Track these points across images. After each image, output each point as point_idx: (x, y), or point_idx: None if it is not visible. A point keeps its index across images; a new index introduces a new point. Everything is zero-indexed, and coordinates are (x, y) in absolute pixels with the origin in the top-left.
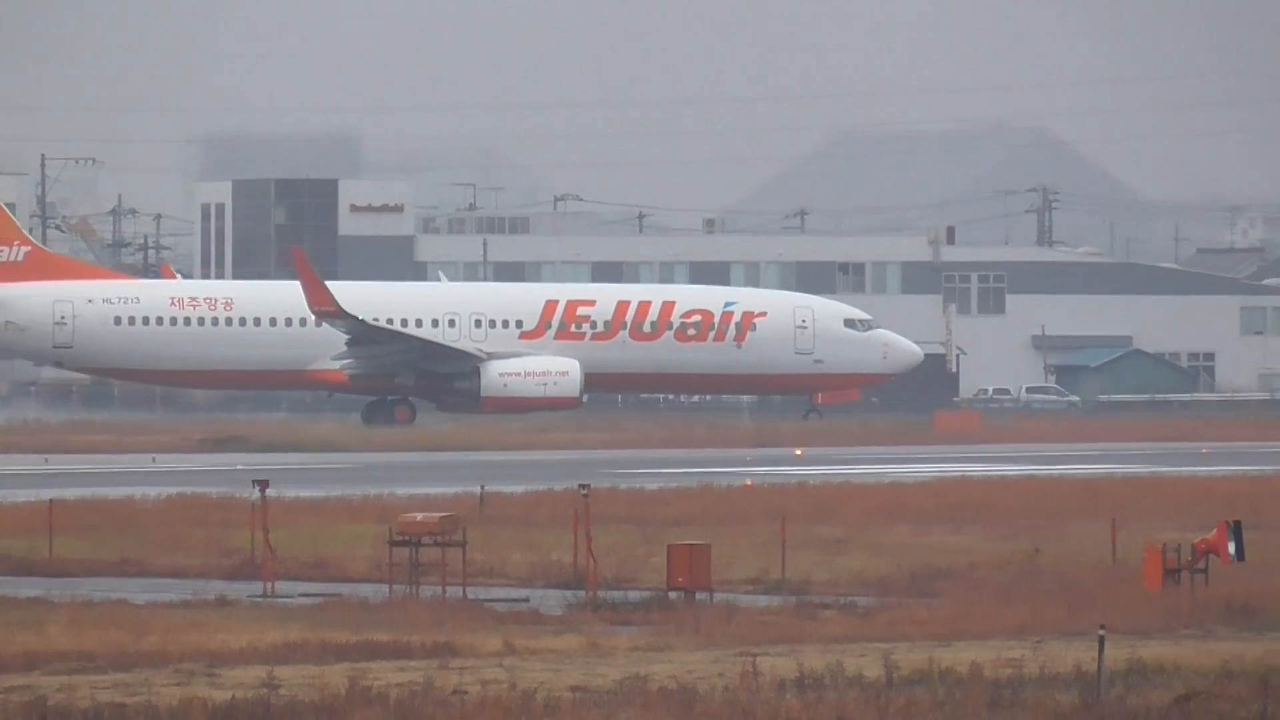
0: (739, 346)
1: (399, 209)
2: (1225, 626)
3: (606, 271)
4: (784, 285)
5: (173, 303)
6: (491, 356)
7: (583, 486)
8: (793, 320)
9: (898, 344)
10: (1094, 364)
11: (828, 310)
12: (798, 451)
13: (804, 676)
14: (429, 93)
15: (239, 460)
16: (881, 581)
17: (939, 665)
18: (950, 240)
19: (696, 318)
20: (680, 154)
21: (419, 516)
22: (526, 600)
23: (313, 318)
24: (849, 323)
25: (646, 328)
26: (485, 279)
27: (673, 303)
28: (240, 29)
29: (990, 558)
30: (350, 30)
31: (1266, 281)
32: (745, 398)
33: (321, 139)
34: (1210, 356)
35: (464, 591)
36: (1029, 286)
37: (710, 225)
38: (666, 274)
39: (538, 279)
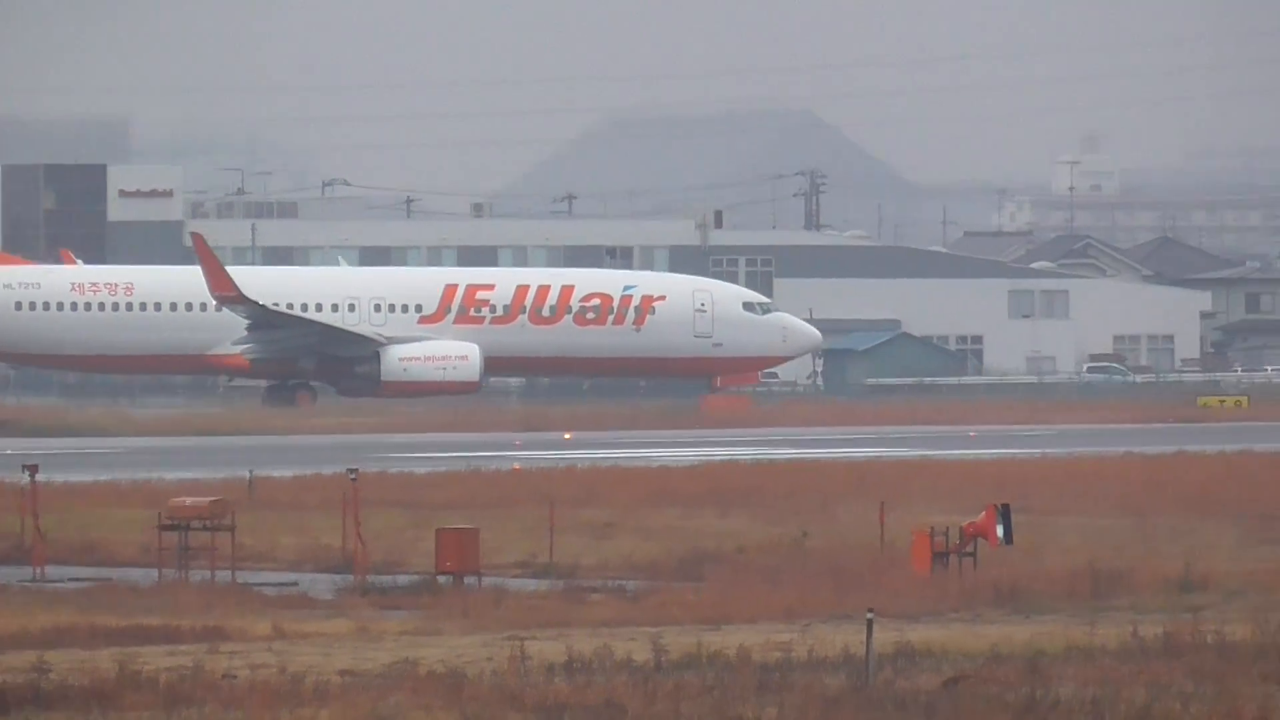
0: (638, 330)
1: (168, 194)
2: (993, 609)
3: (375, 256)
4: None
5: (74, 288)
6: (391, 341)
7: (351, 471)
8: (692, 303)
9: (796, 326)
10: (861, 348)
11: (727, 293)
12: (566, 435)
13: (573, 660)
14: (198, 77)
15: (8, 445)
16: (650, 565)
17: (708, 649)
18: (718, 224)
19: (596, 301)
20: (448, 138)
21: (188, 501)
22: (296, 584)
23: (213, 302)
24: (748, 306)
25: (546, 311)
26: (254, 264)
27: (572, 286)
28: (5, 12)
29: (758, 541)
30: (118, 14)
31: (1034, 265)
32: (512, 380)
33: (90, 123)
34: (978, 340)
35: (233, 576)
36: (797, 270)
37: (478, 209)
38: (434, 258)
39: (305, 263)
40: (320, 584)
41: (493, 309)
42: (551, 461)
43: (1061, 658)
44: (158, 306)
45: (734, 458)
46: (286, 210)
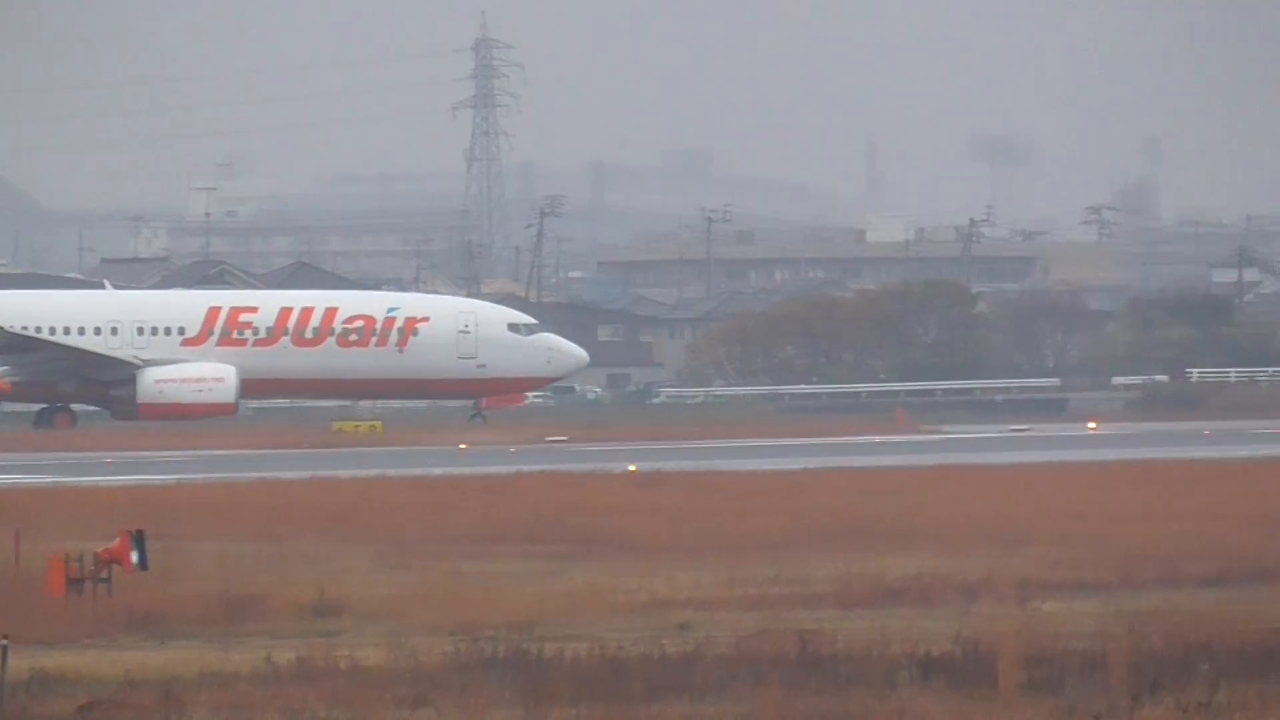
0: (401, 351)
1: None
2: (129, 636)
3: None
4: None
5: None
6: (148, 364)
7: None
8: (455, 325)
9: (561, 347)
10: None
11: (491, 315)
12: None
13: None
14: None
15: None
16: None
17: None
18: None
19: (359, 323)
20: None
21: None
22: None
23: None
24: (513, 327)
25: (309, 334)
26: None
27: (335, 309)
28: None
29: None
30: None
31: (171, 291)
32: None
33: None
34: None
35: None
36: None
37: None
38: None
39: None
40: None
41: (255, 331)
42: None
43: (195, 683)
44: None
45: None
46: None
